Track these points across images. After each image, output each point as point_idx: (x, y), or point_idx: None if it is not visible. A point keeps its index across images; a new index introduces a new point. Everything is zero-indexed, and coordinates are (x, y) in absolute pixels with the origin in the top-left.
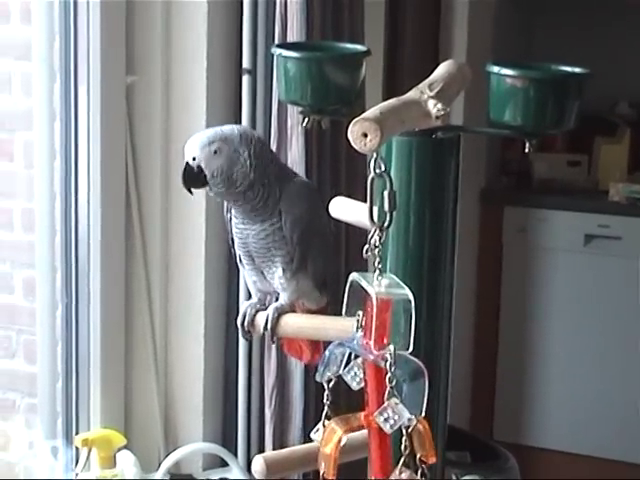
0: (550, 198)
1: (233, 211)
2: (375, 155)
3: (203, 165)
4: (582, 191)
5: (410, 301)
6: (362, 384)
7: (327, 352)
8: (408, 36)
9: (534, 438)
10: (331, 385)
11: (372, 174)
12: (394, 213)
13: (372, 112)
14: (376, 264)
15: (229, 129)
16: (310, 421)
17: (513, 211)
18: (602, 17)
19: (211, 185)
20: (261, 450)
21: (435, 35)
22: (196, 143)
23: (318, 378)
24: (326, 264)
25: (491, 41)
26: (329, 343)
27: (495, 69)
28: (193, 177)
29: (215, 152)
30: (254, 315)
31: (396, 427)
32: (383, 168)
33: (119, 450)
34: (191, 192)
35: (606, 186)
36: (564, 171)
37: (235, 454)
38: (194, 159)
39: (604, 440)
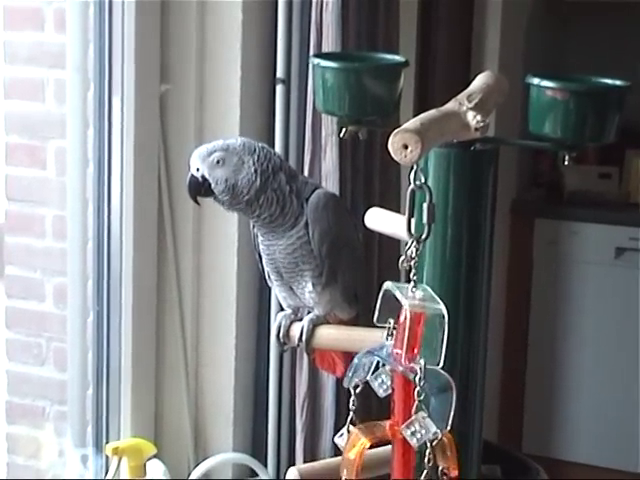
0: (581, 210)
1: (259, 227)
2: (415, 167)
3: (207, 175)
4: (613, 204)
5: (443, 316)
6: (389, 391)
7: (356, 359)
8: (440, 45)
9: (563, 451)
10: (358, 391)
11: (412, 186)
12: (432, 225)
13: (413, 123)
14: (411, 276)
15: (232, 139)
16: None
17: (544, 223)
18: (633, 27)
19: (217, 194)
20: (291, 461)
21: (467, 45)
22: (197, 155)
23: (346, 384)
24: (356, 276)
25: (523, 51)
26: None
27: (535, 81)
28: (197, 187)
29: (218, 162)
30: (289, 326)
31: (422, 441)
32: (423, 180)
33: (149, 459)
34: (197, 202)
35: (637, 199)
36: (595, 183)
37: (265, 465)
38: (198, 170)
39: (633, 454)
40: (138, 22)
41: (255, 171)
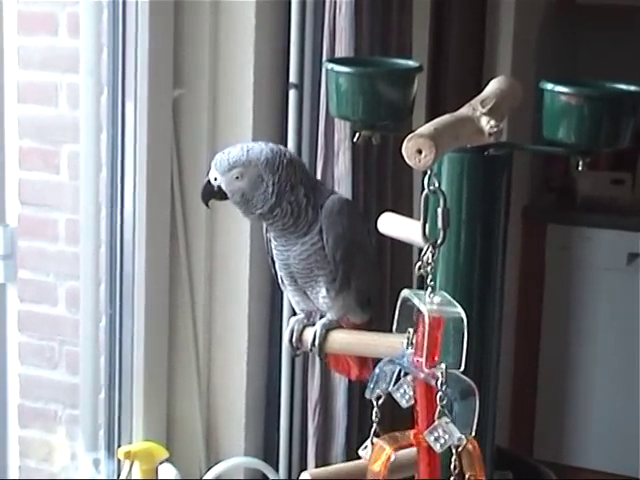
0: (593, 216)
1: (271, 233)
2: (429, 172)
3: (223, 186)
4: (626, 209)
5: (462, 320)
6: (411, 402)
7: (377, 369)
8: (452, 51)
9: (574, 457)
10: (380, 402)
11: (426, 191)
12: (447, 230)
13: (427, 128)
14: (428, 281)
15: (257, 152)
16: (353, 437)
17: (556, 229)
18: None
19: (231, 202)
20: (303, 465)
21: (479, 50)
22: (219, 167)
23: (367, 395)
24: (369, 281)
25: (535, 55)
26: (377, 359)
27: (549, 86)
28: (212, 194)
29: (237, 178)
30: (301, 331)
31: (446, 446)
32: (437, 185)
33: (161, 463)
34: (208, 205)
35: None
36: (608, 189)
37: (277, 469)
38: (215, 179)
39: None
40: (152, 27)
41: (272, 191)
